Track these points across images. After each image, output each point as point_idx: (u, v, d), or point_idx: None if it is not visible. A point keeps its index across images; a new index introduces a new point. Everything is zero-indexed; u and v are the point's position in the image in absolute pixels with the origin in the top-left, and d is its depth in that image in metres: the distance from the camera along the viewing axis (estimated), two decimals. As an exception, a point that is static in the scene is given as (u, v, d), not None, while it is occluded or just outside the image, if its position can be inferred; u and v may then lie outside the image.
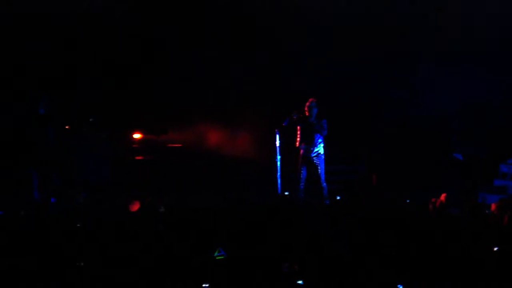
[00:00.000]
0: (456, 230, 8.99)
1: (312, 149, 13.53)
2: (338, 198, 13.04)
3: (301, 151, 13.59)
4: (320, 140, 13.57)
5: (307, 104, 13.57)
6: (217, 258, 7.81)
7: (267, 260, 7.74)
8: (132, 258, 8.11)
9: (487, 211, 10.68)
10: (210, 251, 7.86)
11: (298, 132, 13.64)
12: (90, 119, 15.15)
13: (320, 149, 13.58)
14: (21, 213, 10.96)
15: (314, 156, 13.55)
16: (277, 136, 13.89)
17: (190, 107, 16.15)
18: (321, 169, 13.54)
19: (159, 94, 16.00)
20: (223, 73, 16.25)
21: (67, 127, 14.69)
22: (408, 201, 12.63)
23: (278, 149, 13.89)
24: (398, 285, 7.24)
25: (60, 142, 14.05)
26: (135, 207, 11.14)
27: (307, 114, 13.56)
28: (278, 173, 13.83)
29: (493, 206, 10.64)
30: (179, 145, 16.32)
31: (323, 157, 13.58)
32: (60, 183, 13.80)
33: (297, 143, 13.64)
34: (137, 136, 16.09)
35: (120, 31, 15.57)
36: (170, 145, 16.24)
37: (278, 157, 13.88)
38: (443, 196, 11.47)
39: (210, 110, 16.26)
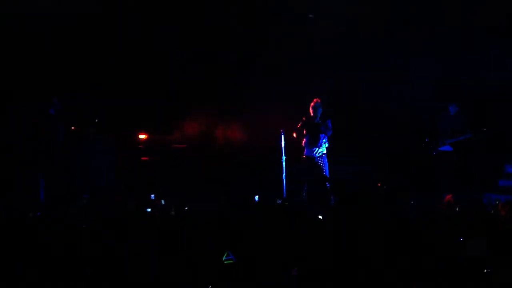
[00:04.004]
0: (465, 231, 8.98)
1: (316, 149, 13.52)
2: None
3: (305, 151, 13.59)
4: (324, 141, 13.56)
5: (312, 104, 13.57)
6: (225, 262, 7.80)
7: (276, 263, 7.74)
8: (137, 262, 8.11)
9: (492, 212, 10.67)
10: (219, 255, 7.85)
11: (304, 132, 13.62)
12: (96, 120, 15.15)
13: (324, 149, 13.57)
14: (29, 215, 10.94)
15: (318, 157, 13.55)
16: (282, 137, 13.90)
17: (196, 106, 16.16)
18: (325, 170, 13.55)
19: (164, 94, 16.05)
20: (227, 73, 16.28)
21: (72, 128, 14.70)
22: (412, 202, 12.59)
23: (283, 149, 13.89)
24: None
25: (67, 143, 14.10)
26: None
27: (311, 114, 13.57)
28: (284, 174, 13.83)
29: (499, 207, 10.64)
30: (183, 145, 16.29)
31: (326, 157, 13.58)
32: (65, 184, 13.84)
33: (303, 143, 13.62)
34: (142, 136, 16.07)
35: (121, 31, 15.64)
36: (175, 145, 16.22)
37: (284, 157, 13.88)
38: (448, 197, 11.48)
39: (215, 110, 16.26)
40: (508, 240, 8.51)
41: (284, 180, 13.81)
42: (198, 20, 15.91)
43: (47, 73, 14.93)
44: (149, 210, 11.43)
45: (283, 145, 13.87)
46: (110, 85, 15.60)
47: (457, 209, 11.01)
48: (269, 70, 16.01)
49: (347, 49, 15.85)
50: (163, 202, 12.11)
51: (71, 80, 15.17)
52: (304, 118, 13.60)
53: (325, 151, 13.60)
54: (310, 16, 16.11)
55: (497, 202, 11.60)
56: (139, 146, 16.08)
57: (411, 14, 15.63)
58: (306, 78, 15.76)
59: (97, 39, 15.45)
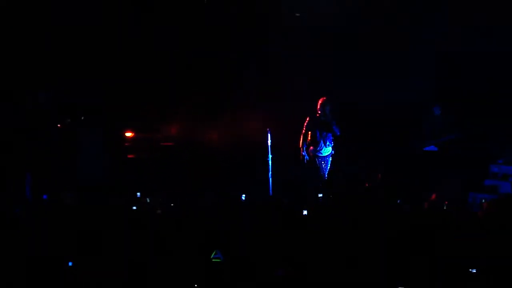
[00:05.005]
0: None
1: (324, 148, 13.40)
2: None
3: (311, 148, 13.45)
4: (332, 139, 13.41)
5: (320, 102, 13.35)
6: (213, 260, 7.81)
7: (261, 263, 7.75)
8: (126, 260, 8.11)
9: (479, 213, 10.73)
10: (207, 253, 7.86)
11: (308, 133, 13.45)
12: (82, 118, 15.10)
13: (330, 149, 13.47)
14: (16, 211, 10.89)
15: (325, 156, 13.46)
16: (269, 135, 13.87)
17: (182, 105, 16.14)
18: (326, 167, 13.49)
19: (151, 92, 16.00)
20: (214, 72, 16.26)
21: (58, 125, 14.63)
22: (398, 201, 12.61)
23: (269, 148, 13.87)
24: None
25: (54, 140, 14.04)
26: None
27: (319, 112, 13.36)
28: (270, 173, 13.82)
29: (485, 205, 10.71)
30: (171, 143, 16.25)
31: (330, 156, 13.50)
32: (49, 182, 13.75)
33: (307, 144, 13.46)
34: (129, 134, 16.02)
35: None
36: (163, 143, 16.17)
37: (270, 156, 13.86)
38: (433, 196, 11.57)
39: (201, 108, 16.24)
40: (494, 238, 8.57)
41: (271, 179, 13.80)
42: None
43: (32, 69, 14.85)
44: (135, 208, 11.42)
45: (269, 144, 13.85)
46: (97, 83, 15.52)
47: (444, 207, 11.10)
48: (256, 69, 15.97)
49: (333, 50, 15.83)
50: (148, 200, 12.09)
51: (56, 77, 15.09)
52: (308, 118, 13.48)
53: (332, 151, 13.51)
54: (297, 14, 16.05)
55: (483, 201, 11.69)
56: (125, 144, 16.01)
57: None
58: (294, 76, 15.74)
59: (88, 35, 15.39)
